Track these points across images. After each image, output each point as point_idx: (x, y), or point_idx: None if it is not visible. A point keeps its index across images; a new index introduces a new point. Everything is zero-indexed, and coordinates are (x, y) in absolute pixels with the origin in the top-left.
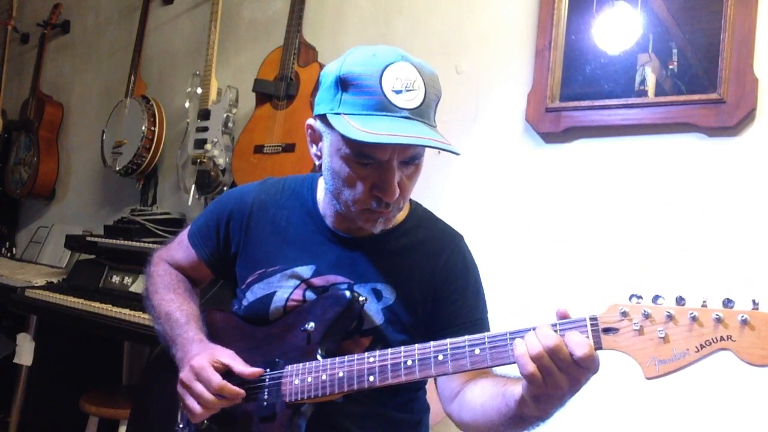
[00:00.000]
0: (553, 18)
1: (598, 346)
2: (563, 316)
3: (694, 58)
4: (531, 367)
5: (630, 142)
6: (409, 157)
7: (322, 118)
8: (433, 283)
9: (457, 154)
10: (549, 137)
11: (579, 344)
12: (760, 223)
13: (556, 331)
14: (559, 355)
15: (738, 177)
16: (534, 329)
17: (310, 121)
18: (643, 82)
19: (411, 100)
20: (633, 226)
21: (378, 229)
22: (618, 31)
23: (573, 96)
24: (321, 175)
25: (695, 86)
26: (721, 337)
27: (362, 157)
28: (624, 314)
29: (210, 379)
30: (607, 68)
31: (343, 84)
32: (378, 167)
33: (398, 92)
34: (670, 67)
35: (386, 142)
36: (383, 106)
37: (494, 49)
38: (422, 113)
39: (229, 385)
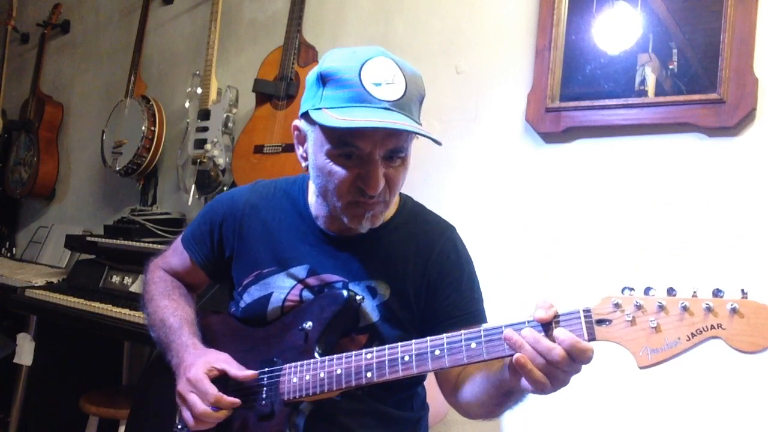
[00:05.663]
0: (553, 18)
1: (592, 337)
2: (542, 321)
3: (694, 58)
4: (539, 375)
5: (630, 142)
6: (392, 149)
7: (306, 116)
8: (426, 277)
9: (439, 143)
10: (549, 137)
11: (584, 351)
12: (760, 223)
13: (550, 325)
14: (559, 364)
15: (738, 177)
16: (529, 322)
17: (296, 122)
18: (643, 82)
19: (391, 92)
20: (633, 226)
21: (365, 228)
22: (618, 31)
23: (573, 96)
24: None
25: (695, 86)
26: (712, 325)
27: (344, 147)
28: (616, 306)
29: (206, 391)
30: (607, 68)
31: (324, 80)
32: (361, 161)
33: (378, 84)
34: (670, 67)
35: (360, 126)
36: (363, 98)
37: (494, 49)
38: (403, 106)
39: (225, 397)
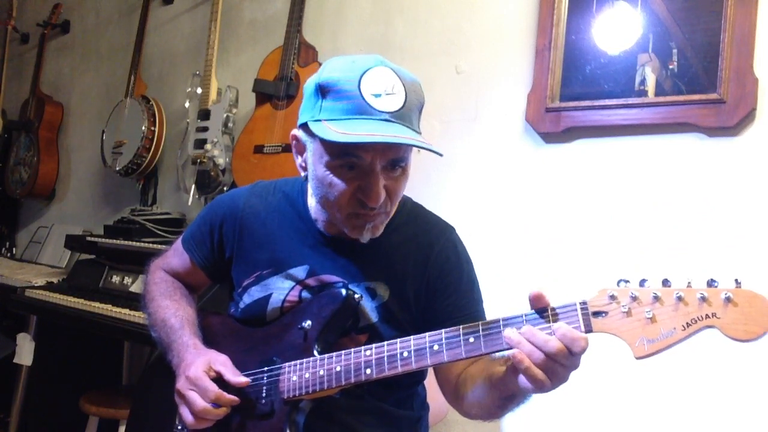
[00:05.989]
0: (553, 18)
1: (588, 328)
2: (536, 299)
3: (694, 58)
4: (537, 372)
5: (630, 142)
6: (393, 160)
7: (305, 127)
8: (426, 278)
9: (440, 154)
10: (549, 137)
11: (575, 339)
12: (760, 223)
13: (547, 318)
14: (556, 357)
15: (738, 177)
16: (526, 315)
17: (295, 131)
18: (643, 82)
19: (391, 103)
20: (633, 226)
21: (366, 239)
22: (618, 31)
23: (573, 96)
24: None
25: (695, 86)
26: (706, 314)
27: (344, 157)
28: (612, 297)
29: (206, 388)
30: (607, 68)
31: (323, 91)
32: (361, 172)
33: (377, 96)
34: (670, 67)
35: (361, 141)
36: (363, 110)
37: (494, 49)
38: (403, 116)
39: (225, 394)
